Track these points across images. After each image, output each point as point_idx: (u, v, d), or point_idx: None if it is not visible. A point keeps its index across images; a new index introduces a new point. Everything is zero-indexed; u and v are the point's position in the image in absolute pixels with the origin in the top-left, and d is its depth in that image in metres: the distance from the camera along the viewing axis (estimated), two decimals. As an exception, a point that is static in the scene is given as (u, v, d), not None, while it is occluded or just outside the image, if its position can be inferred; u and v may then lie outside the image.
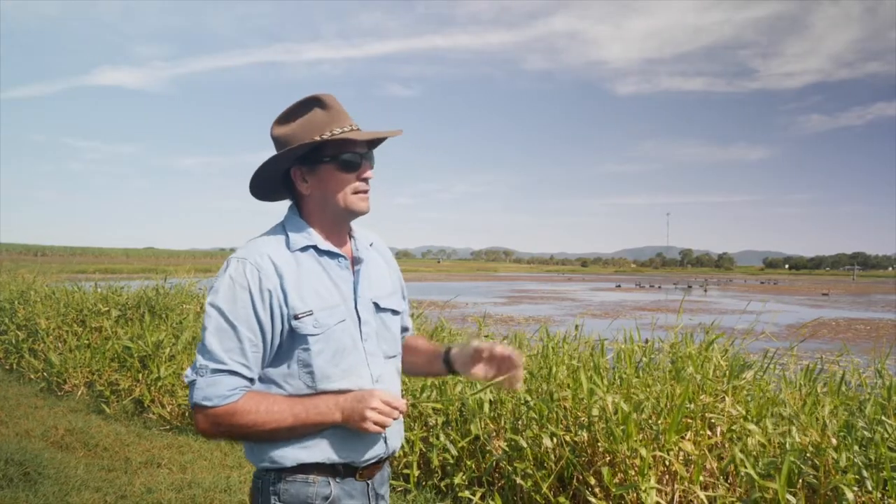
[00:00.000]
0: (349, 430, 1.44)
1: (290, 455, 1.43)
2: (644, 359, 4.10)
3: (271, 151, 1.51)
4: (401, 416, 1.47)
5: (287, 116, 1.50)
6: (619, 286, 66.89)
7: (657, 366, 3.98)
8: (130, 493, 3.96)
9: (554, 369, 3.93)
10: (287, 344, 1.43)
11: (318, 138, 1.44)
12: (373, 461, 1.51)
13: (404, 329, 1.73)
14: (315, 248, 1.48)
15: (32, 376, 7.23)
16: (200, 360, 1.38)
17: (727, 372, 3.80)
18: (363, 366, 1.49)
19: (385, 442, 1.53)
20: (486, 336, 5.35)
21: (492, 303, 31.62)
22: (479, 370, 1.61)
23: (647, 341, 4.37)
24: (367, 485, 1.51)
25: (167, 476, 4.28)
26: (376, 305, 1.55)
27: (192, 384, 1.37)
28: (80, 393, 6.45)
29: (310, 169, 1.48)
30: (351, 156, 1.47)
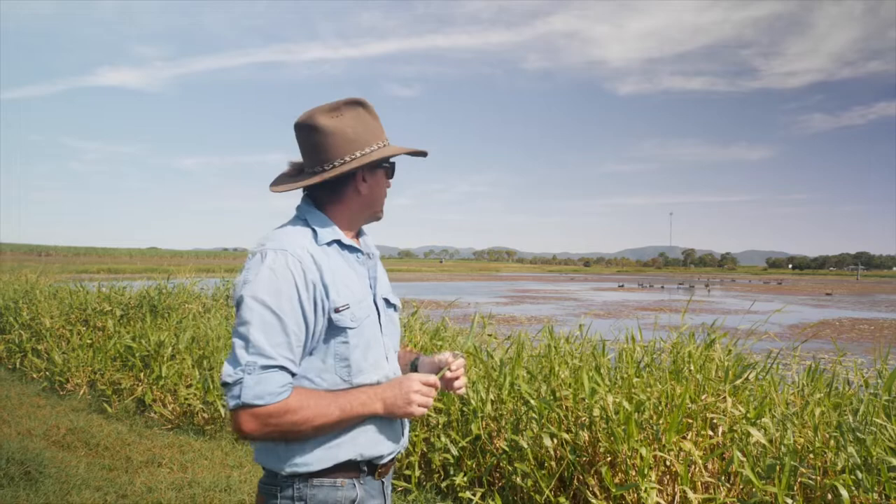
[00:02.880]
0: (378, 425, 1.47)
1: (321, 457, 1.41)
2: (646, 358, 4.09)
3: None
4: (435, 395, 1.51)
5: (334, 109, 1.52)
6: (622, 286, 66.80)
7: (659, 366, 3.97)
8: (131, 492, 3.96)
9: (556, 369, 3.92)
10: (324, 338, 1.43)
11: (381, 144, 1.54)
12: (392, 456, 1.54)
13: None
14: (339, 242, 1.50)
15: (35, 375, 7.25)
16: (246, 357, 1.31)
17: (729, 372, 3.79)
18: (384, 359, 1.54)
19: (402, 438, 1.57)
20: (488, 336, 5.34)
21: (494, 303, 31.60)
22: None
23: (652, 342, 4.36)
24: (382, 483, 1.54)
25: (168, 475, 4.28)
26: (386, 301, 1.60)
27: (238, 383, 1.30)
28: (82, 392, 6.46)
29: (371, 172, 1.55)
30: (392, 164, 1.59)
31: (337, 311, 1.41)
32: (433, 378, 1.49)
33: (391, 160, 1.58)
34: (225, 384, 1.32)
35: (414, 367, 1.71)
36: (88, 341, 7.26)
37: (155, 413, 5.61)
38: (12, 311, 8.59)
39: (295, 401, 1.34)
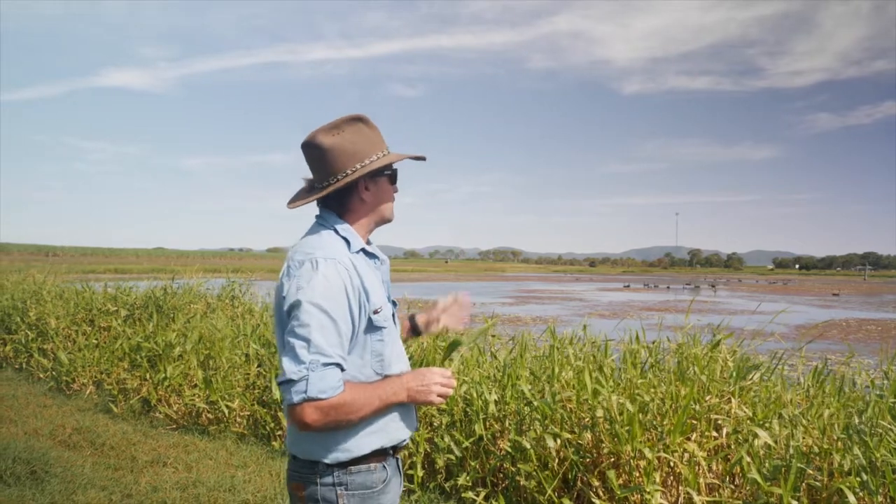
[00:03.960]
0: (401, 411, 1.66)
1: (359, 444, 1.57)
2: (650, 359, 4.07)
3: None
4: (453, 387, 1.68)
5: (334, 127, 1.66)
6: (628, 286, 66.63)
7: (663, 366, 3.96)
8: (136, 491, 3.98)
9: (557, 370, 3.91)
10: (362, 336, 1.59)
11: (381, 154, 1.67)
12: (407, 439, 1.72)
13: None
14: (363, 250, 1.68)
15: (42, 375, 7.28)
16: (307, 356, 1.45)
17: (734, 373, 3.77)
18: (402, 353, 1.74)
19: (416, 422, 1.76)
20: (492, 336, 5.34)
21: (499, 303, 31.57)
22: (441, 324, 1.93)
23: (656, 343, 4.34)
24: (397, 460, 1.72)
25: (172, 475, 4.29)
26: (394, 303, 1.78)
27: (303, 379, 1.43)
28: (88, 392, 6.49)
29: (373, 180, 1.69)
30: (394, 171, 1.73)
31: (375, 312, 1.60)
32: (449, 372, 1.66)
33: (393, 167, 1.72)
34: (289, 381, 1.45)
35: (413, 328, 1.96)
36: (94, 341, 7.30)
37: (160, 413, 5.63)
38: (19, 311, 8.64)
39: (349, 394, 1.50)
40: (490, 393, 3.88)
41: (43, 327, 8.04)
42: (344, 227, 1.65)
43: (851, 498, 2.63)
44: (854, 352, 4.38)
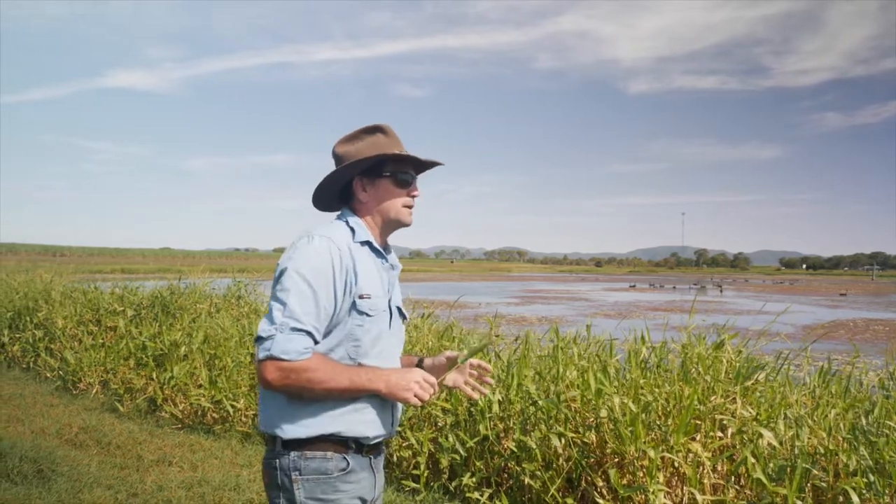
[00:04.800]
0: (372, 407, 1.64)
1: (312, 423, 1.58)
2: (654, 359, 4.06)
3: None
4: (434, 394, 1.65)
5: (351, 138, 1.75)
6: (634, 286, 66.46)
7: (667, 367, 3.94)
8: (141, 490, 4.00)
9: (562, 370, 3.91)
10: (344, 318, 1.62)
11: (383, 154, 1.70)
12: (379, 440, 1.70)
13: None
14: (370, 244, 1.71)
15: (48, 375, 7.33)
16: (280, 318, 1.51)
17: (739, 373, 3.76)
18: (389, 355, 1.73)
19: (391, 426, 1.74)
20: (496, 336, 5.34)
21: (504, 303, 31.55)
22: (450, 379, 1.86)
23: (661, 343, 4.33)
24: (370, 459, 1.69)
25: (178, 474, 4.31)
26: (399, 310, 1.80)
27: (270, 338, 1.50)
28: (94, 391, 6.53)
29: (371, 181, 1.74)
30: (407, 176, 1.76)
31: (361, 297, 1.62)
32: (433, 379, 1.64)
33: (400, 174, 1.74)
34: (259, 338, 1.52)
35: (419, 365, 1.90)
36: (101, 341, 7.33)
37: (166, 412, 5.66)
38: (28, 311, 8.69)
39: (314, 362, 1.53)
40: (494, 393, 3.87)
41: (50, 327, 8.08)
42: (354, 220, 1.72)
43: (856, 498, 2.61)
44: (860, 352, 4.36)
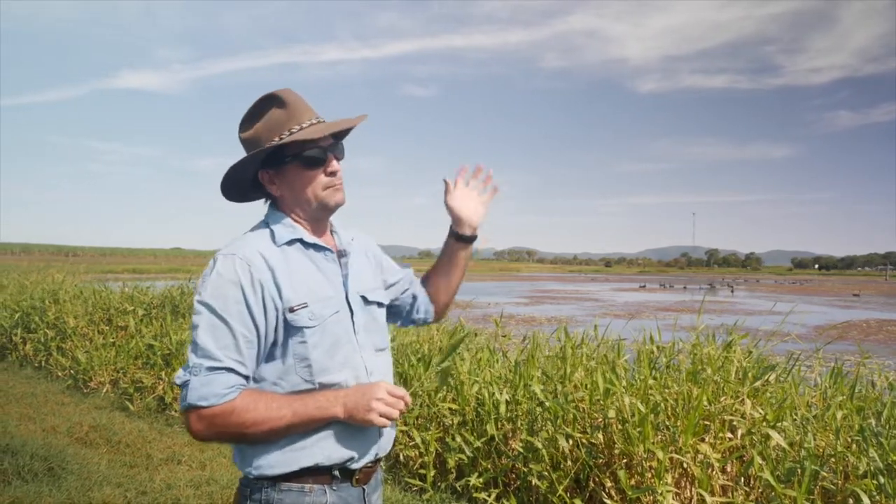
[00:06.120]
0: (347, 428, 1.40)
1: (284, 460, 1.37)
2: (663, 359, 4.04)
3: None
4: (404, 409, 1.42)
5: (249, 118, 1.48)
6: (644, 286, 66.18)
7: (676, 367, 3.92)
8: (151, 489, 4.02)
9: (569, 370, 3.89)
10: (282, 339, 1.39)
11: (276, 140, 1.43)
12: (369, 462, 1.48)
13: (410, 294, 1.80)
14: (301, 241, 1.47)
15: (60, 374, 7.39)
16: (193, 359, 1.32)
17: (749, 374, 3.73)
18: (357, 358, 1.47)
19: (380, 440, 1.49)
20: (503, 336, 5.32)
21: (514, 303, 31.51)
22: (466, 202, 1.75)
23: (671, 343, 4.30)
24: (363, 490, 1.48)
25: (187, 473, 4.33)
26: (364, 299, 1.54)
27: (184, 385, 1.31)
28: (105, 390, 6.58)
29: (276, 171, 1.47)
30: (315, 151, 1.45)
31: (292, 310, 1.38)
32: (402, 391, 1.41)
33: (310, 149, 1.44)
34: (177, 386, 1.34)
35: (453, 233, 1.76)
36: (111, 340, 7.39)
37: (175, 411, 5.69)
38: (39, 310, 8.77)
39: (241, 402, 1.31)
40: (501, 393, 3.86)
41: (62, 326, 8.15)
42: (277, 217, 1.48)
43: (866, 500, 2.58)
44: (868, 353, 4.30)
